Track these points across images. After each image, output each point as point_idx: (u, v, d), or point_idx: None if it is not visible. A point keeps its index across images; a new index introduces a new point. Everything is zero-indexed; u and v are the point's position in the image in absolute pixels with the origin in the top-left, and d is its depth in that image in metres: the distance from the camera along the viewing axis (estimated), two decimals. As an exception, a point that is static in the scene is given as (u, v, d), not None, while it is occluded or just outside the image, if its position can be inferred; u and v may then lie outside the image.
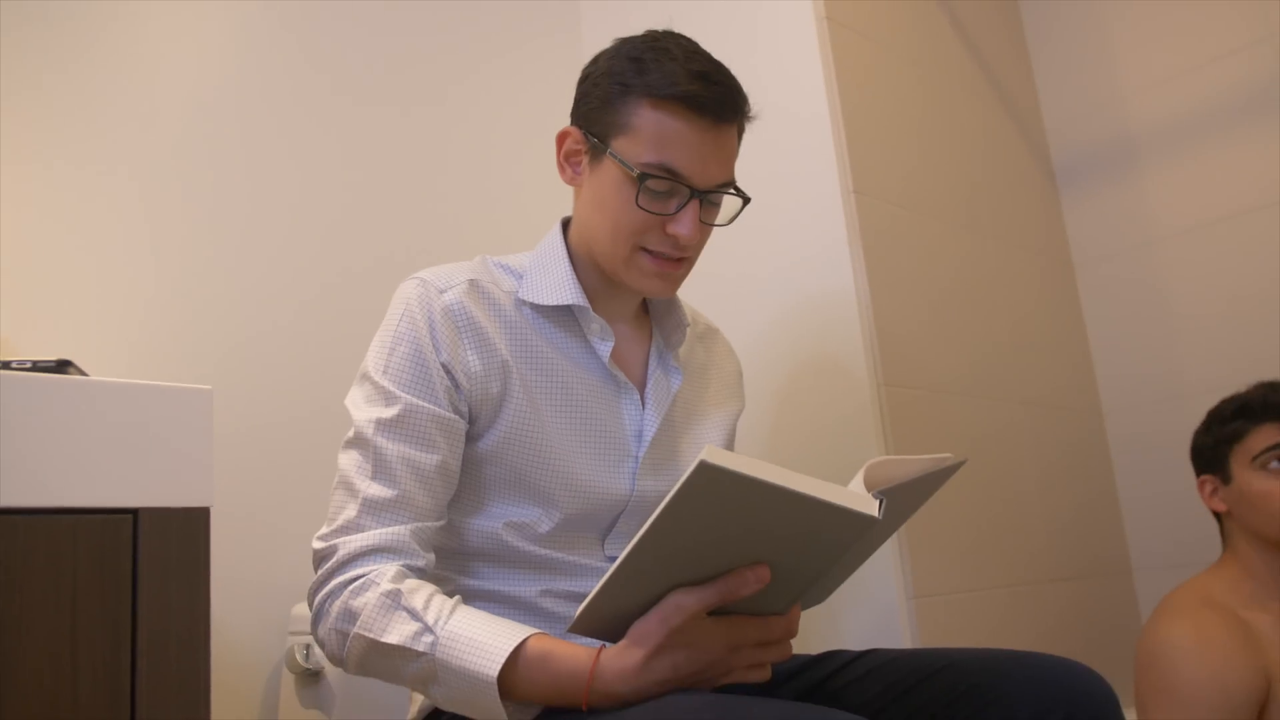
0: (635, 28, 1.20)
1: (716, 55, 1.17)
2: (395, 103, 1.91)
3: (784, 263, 1.78)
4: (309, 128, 1.79)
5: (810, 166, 1.76)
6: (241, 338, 1.63)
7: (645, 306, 1.31)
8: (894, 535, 1.60)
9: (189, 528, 0.85)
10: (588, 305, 1.18)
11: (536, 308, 1.19)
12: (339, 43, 1.86)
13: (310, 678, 1.39)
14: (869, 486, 0.90)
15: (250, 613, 1.49)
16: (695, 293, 1.57)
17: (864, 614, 1.61)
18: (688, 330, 1.30)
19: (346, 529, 1.04)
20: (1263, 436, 1.63)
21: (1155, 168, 2.22)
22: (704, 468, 0.80)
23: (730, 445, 1.36)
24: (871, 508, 0.86)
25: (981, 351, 1.93)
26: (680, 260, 1.18)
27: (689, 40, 1.17)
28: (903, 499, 0.98)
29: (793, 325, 1.75)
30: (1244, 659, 1.51)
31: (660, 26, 1.20)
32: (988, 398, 1.90)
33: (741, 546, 0.90)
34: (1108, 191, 2.28)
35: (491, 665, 0.93)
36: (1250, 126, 2.10)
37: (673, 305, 1.29)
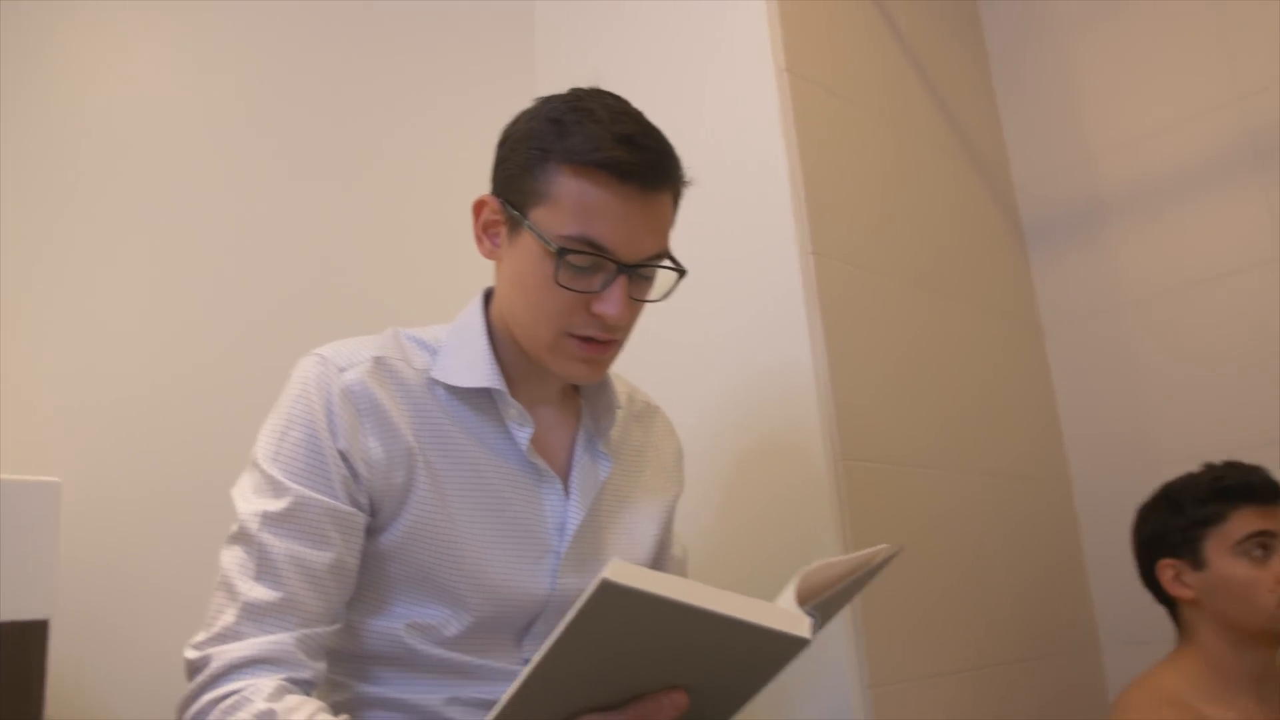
0: (592, 73, 1.11)
1: (671, 110, 1.08)
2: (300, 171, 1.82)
3: (736, 328, 1.69)
4: (171, 193, 1.69)
5: (766, 226, 1.68)
6: (98, 421, 1.46)
7: (575, 386, 1.21)
8: (850, 620, 1.51)
9: (23, 641, 0.75)
10: (505, 389, 1.09)
11: (450, 389, 1.09)
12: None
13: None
14: (802, 598, 0.81)
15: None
16: (639, 362, 1.48)
17: (817, 705, 1.51)
18: (619, 413, 1.21)
19: (223, 637, 0.94)
20: (1244, 521, 1.54)
21: (1126, 229, 2.16)
22: (607, 586, 0.71)
23: (666, 534, 1.27)
24: (802, 627, 0.78)
25: (944, 421, 1.84)
26: (608, 343, 1.08)
27: (616, 99, 1.07)
28: (838, 601, 0.90)
29: (744, 396, 1.66)
30: None
31: (608, 78, 1.11)
32: (950, 469, 1.81)
33: (657, 665, 0.81)
34: (1078, 253, 2.21)
35: None
36: (1221, 190, 2.04)
37: (604, 386, 1.19)
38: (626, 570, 0.72)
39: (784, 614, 0.78)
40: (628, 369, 1.38)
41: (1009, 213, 2.26)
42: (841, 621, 1.51)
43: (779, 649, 0.80)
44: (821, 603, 0.82)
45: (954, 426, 1.86)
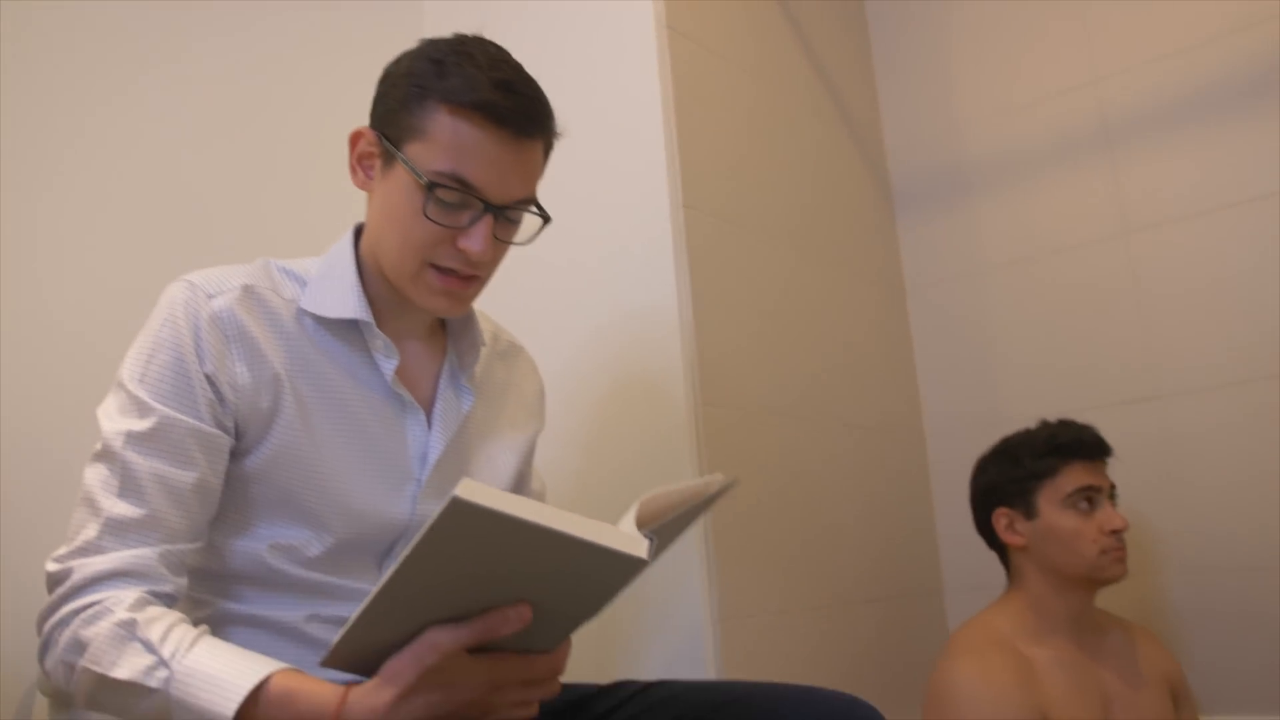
0: (478, 24, 1.14)
1: (554, 62, 1.12)
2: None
3: (604, 275, 1.75)
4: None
5: (639, 177, 1.73)
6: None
7: (442, 322, 1.25)
8: (703, 557, 1.58)
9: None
10: (372, 320, 1.12)
11: (319, 319, 1.12)
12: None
13: (68, 702, 1.29)
14: (641, 523, 0.87)
15: None
16: (507, 304, 1.53)
17: (668, 638, 1.59)
18: (483, 350, 1.25)
19: (85, 550, 0.96)
20: (1074, 476, 1.67)
21: (987, 198, 2.27)
22: (457, 504, 0.76)
23: (526, 467, 1.32)
24: (640, 548, 0.84)
25: (807, 373, 1.93)
26: (471, 279, 1.12)
27: (498, 48, 1.11)
28: (675, 527, 0.96)
29: (610, 341, 1.72)
30: (1021, 696, 1.54)
31: (493, 29, 1.14)
32: (809, 420, 1.91)
33: (503, 584, 0.86)
34: (943, 218, 2.32)
35: (228, 703, 0.87)
36: (1074, 166, 2.16)
37: (469, 323, 1.23)
38: (477, 489, 0.76)
39: (623, 536, 0.84)
40: (498, 311, 1.42)
41: (879, 176, 2.36)
42: (694, 558, 1.59)
43: (619, 569, 0.86)
44: (660, 528, 0.88)
45: (815, 379, 1.95)
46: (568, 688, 1.21)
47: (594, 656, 1.55)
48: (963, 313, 2.27)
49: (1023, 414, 1.93)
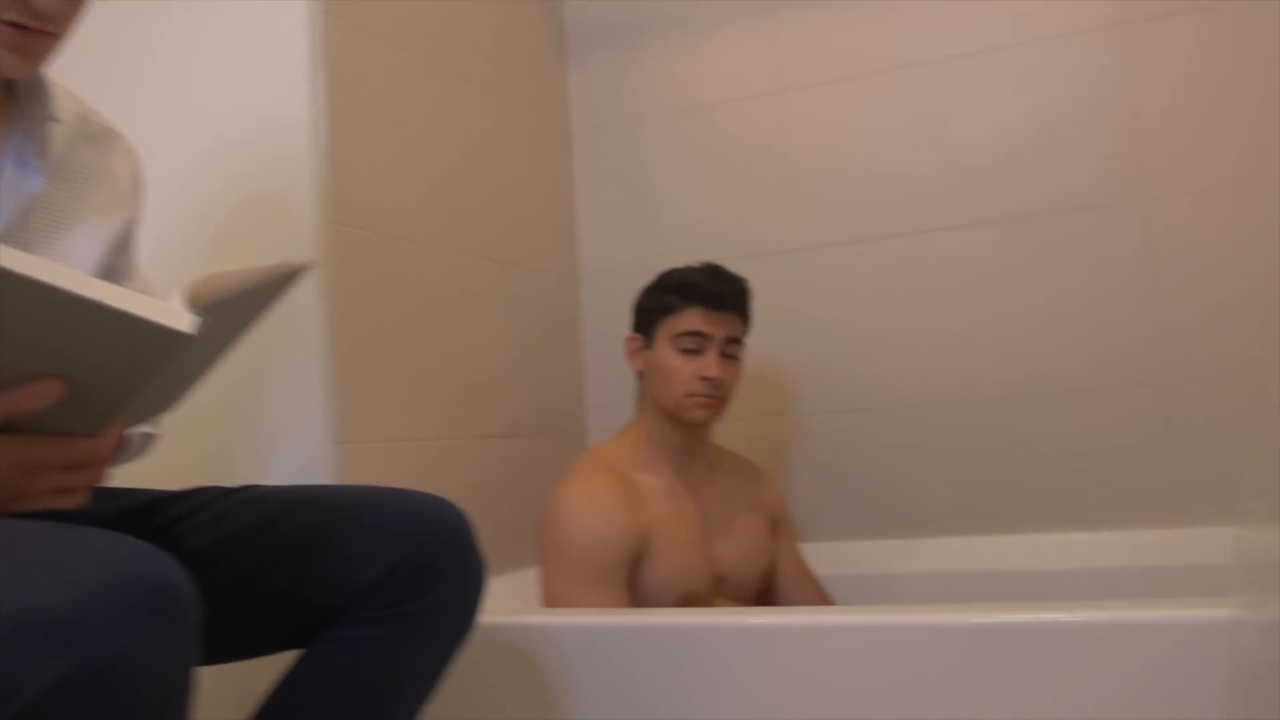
0: None
1: None
2: None
3: (231, 80, 1.62)
4: None
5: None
6: None
7: (12, 92, 1.12)
8: (321, 379, 1.54)
9: None
10: None
11: None
12: None
13: None
14: (193, 300, 0.82)
15: None
16: (114, 99, 1.39)
17: (285, 459, 1.55)
18: (64, 130, 1.13)
19: None
20: (689, 318, 1.72)
21: (657, 47, 2.28)
22: None
23: (118, 260, 1.22)
24: (181, 322, 0.79)
25: (458, 205, 1.89)
26: (38, 33, 1.00)
27: None
28: (238, 312, 0.91)
29: (234, 152, 1.61)
30: (625, 517, 1.62)
31: None
32: (456, 252, 1.88)
33: (34, 357, 0.79)
34: (614, 63, 2.32)
35: None
36: (739, 20, 2.20)
37: (40, 93, 1.10)
38: (5, 253, 0.69)
39: (163, 308, 0.79)
40: (105, 108, 1.28)
41: (553, 15, 2.31)
42: (314, 378, 1.54)
43: (160, 343, 0.80)
44: (214, 306, 0.83)
45: (466, 211, 1.92)
46: (146, 493, 1.16)
47: (211, 476, 1.49)
48: (626, 159, 2.30)
49: (677, 261, 1.98)
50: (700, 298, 1.72)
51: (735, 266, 1.82)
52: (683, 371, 1.70)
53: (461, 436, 1.85)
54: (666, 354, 1.72)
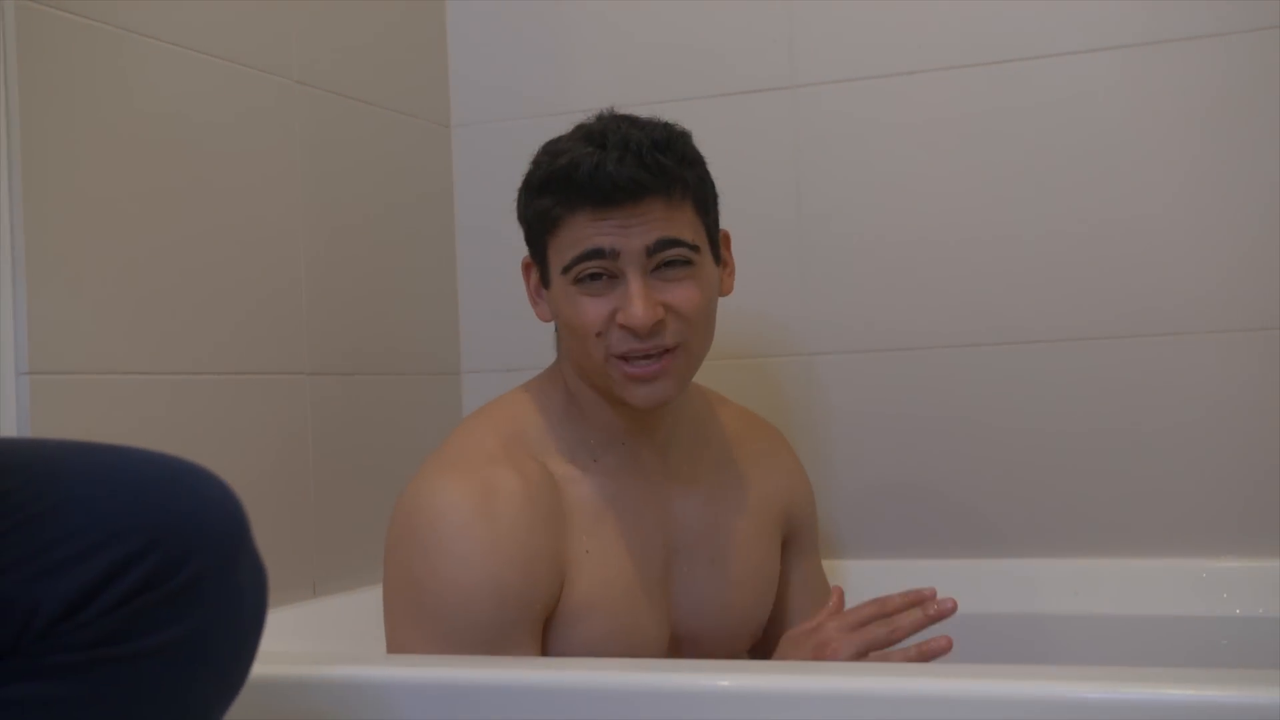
0: None
1: None
2: None
3: None
4: None
5: None
6: None
7: None
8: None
9: None
10: None
11: None
12: None
13: None
14: None
15: None
16: None
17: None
18: None
19: None
20: (575, 231, 1.02)
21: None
22: None
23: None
24: None
25: None
26: None
27: None
28: None
29: None
30: (534, 544, 0.92)
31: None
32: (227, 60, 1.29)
33: None
34: None
35: None
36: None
37: None
38: None
39: None
40: None
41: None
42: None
43: None
44: None
45: None
46: None
47: None
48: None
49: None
50: (581, 192, 1.01)
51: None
52: (588, 319, 1.02)
53: (231, 371, 1.27)
54: (563, 294, 1.05)
